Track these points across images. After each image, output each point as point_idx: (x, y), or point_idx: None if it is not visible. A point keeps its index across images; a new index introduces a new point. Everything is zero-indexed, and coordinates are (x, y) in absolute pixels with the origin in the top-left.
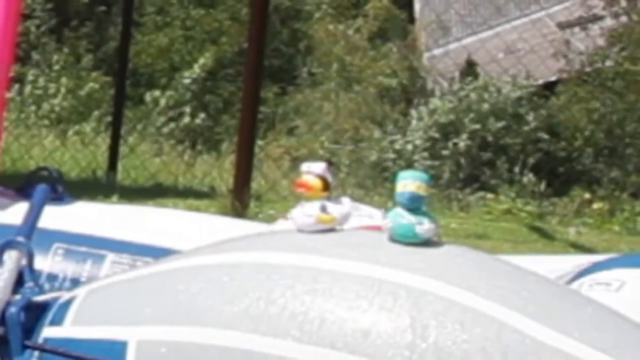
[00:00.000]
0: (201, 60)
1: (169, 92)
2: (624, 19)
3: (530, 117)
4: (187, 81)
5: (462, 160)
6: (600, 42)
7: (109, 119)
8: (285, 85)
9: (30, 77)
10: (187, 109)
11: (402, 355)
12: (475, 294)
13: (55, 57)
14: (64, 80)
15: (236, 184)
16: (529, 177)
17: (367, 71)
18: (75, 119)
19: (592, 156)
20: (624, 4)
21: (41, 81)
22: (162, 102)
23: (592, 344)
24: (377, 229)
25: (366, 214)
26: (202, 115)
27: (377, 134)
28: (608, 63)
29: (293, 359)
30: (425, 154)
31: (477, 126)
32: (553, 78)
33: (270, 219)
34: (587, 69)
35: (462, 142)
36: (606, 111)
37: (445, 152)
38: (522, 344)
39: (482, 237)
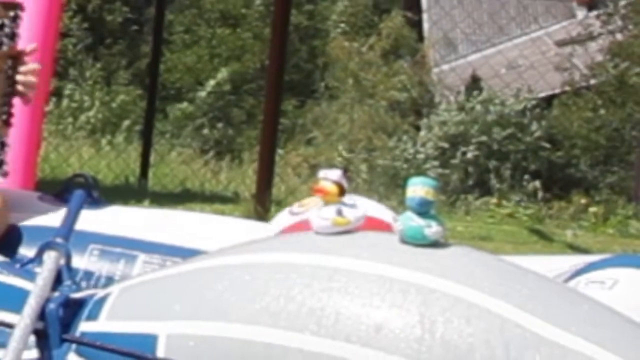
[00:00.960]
0: (220, 75)
1: (195, 105)
2: (619, 36)
3: (531, 127)
4: (212, 95)
5: (470, 168)
6: (597, 57)
7: (139, 129)
8: (304, 99)
9: (67, 91)
10: (213, 121)
11: (411, 348)
12: (480, 292)
13: (90, 73)
14: (98, 94)
15: (258, 189)
16: (530, 183)
17: (380, 85)
18: (108, 130)
19: (588, 164)
20: (619, 22)
21: (77, 95)
22: (189, 114)
23: (587, 337)
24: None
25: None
26: (227, 126)
27: (389, 143)
28: (604, 77)
29: (310, 352)
30: (435, 162)
31: (484, 137)
32: (552, 91)
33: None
34: (585, 83)
35: (470, 151)
36: (603, 121)
37: (454, 161)
38: (523, 337)
39: (486, 239)
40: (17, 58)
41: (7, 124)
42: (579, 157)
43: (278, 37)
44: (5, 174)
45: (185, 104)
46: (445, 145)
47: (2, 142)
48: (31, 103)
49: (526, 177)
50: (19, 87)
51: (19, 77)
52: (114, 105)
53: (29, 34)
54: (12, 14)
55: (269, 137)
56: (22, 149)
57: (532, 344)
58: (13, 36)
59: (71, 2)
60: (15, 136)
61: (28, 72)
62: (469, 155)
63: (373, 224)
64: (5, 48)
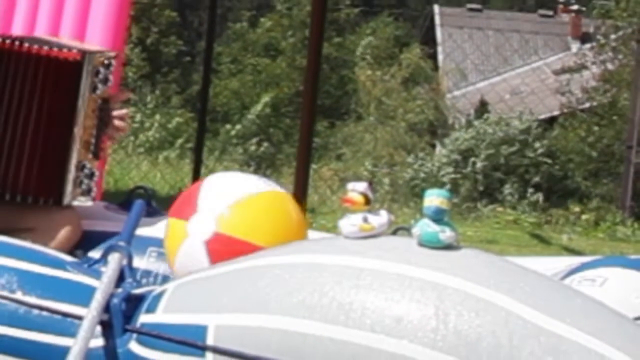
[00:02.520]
0: (262, 100)
1: (240, 126)
2: (609, 65)
3: (533, 144)
4: (254, 117)
5: (478, 177)
6: (591, 83)
7: (191, 146)
8: (334, 120)
9: (131, 115)
10: (255, 140)
11: (428, 337)
12: (487, 288)
13: (149, 98)
14: (156, 116)
15: (295, 199)
16: (531, 194)
17: (400, 109)
18: (164, 147)
19: (582, 176)
20: (610, 53)
21: (138, 117)
22: (235, 133)
23: (581, 328)
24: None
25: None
26: (268, 144)
27: (408, 159)
28: (596, 101)
29: (340, 340)
30: (450, 169)
31: (491, 151)
32: (551, 114)
33: (322, 228)
34: (579, 106)
35: (480, 161)
36: (596, 139)
37: (465, 172)
38: (525, 328)
39: (492, 243)
40: (109, 100)
41: (97, 157)
42: (574, 170)
43: (312, 67)
44: (93, 199)
45: (231, 125)
46: (458, 157)
47: (92, 172)
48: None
49: (530, 190)
50: (109, 129)
51: (117, 122)
52: (169, 126)
53: None
54: (106, 62)
55: (304, 153)
56: None
57: (533, 333)
58: (106, 81)
59: (132, 36)
60: None
61: (118, 116)
62: (478, 165)
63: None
64: (99, 92)
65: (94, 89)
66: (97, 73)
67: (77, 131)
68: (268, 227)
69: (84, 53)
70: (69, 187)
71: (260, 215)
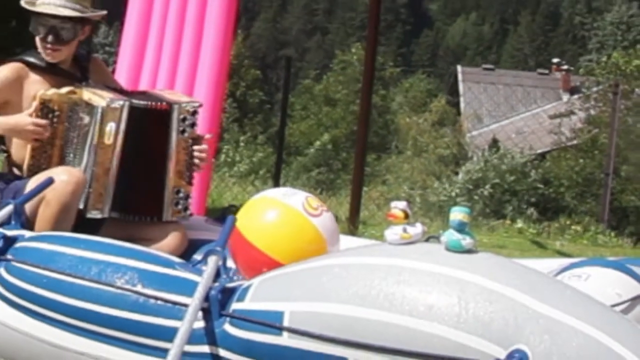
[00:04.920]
0: (324, 138)
1: (308, 158)
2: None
3: (531, 173)
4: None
5: (488, 201)
6: (578, 125)
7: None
8: (380, 154)
9: (224, 150)
10: (319, 169)
11: (452, 320)
12: (498, 282)
13: (238, 137)
14: (244, 152)
15: (350, 214)
16: (530, 211)
17: (431, 145)
18: (250, 175)
19: (571, 197)
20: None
21: (230, 153)
22: (304, 164)
23: (570, 312)
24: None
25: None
26: (329, 172)
27: (436, 184)
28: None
29: (385, 322)
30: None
31: (497, 180)
32: (546, 149)
33: (371, 237)
34: (569, 143)
35: (487, 190)
36: (581, 168)
37: (478, 194)
38: (527, 313)
39: (502, 248)
40: (196, 140)
41: (190, 183)
42: (564, 192)
43: (363, 112)
44: (190, 215)
45: (301, 158)
46: (470, 186)
47: (186, 195)
48: (200, 172)
49: (531, 209)
50: (196, 160)
51: (196, 154)
52: (254, 159)
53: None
54: (191, 110)
55: (358, 179)
56: (196, 188)
57: (533, 317)
58: (193, 125)
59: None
60: (195, 181)
61: (202, 151)
62: (486, 192)
63: None
64: (187, 134)
65: (182, 131)
66: (184, 119)
67: (171, 164)
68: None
69: (171, 105)
70: (167, 207)
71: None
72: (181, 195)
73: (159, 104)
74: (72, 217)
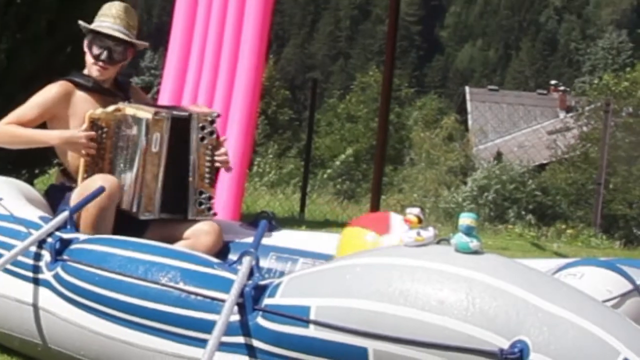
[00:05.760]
0: (347, 152)
1: (332, 170)
2: (584, 128)
3: (530, 183)
4: (342, 164)
5: (492, 208)
6: (572, 141)
7: (299, 184)
8: (397, 166)
9: (256, 162)
10: (342, 179)
11: (461, 313)
12: (501, 280)
13: (270, 151)
14: (274, 163)
15: None
16: (529, 217)
17: (442, 158)
18: (280, 184)
19: (566, 205)
20: (585, 120)
21: (262, 164)
22: (328, 175)
23: (566, 307)
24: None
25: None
26: (351, 182)
27: (446, 192)
28: (575, 153)
29: (401, 316)
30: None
31: (498, 186)
32: (544, 161)
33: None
34: (564, 156)
35: (491, 195)
36: (574, 179)
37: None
38: (527, 307)
39: (505, 249)
40: (215, 146)
41: (213, 186)
42: (560, 200)
43: (381, 129)
44: (215, 214)
45: (326, 169)
46: (476, 193)
47: (209, 196)
48: (231, 172)
49: (530, 215)
50: (217, 163)
51: (216, 158)
52: (284, 170)
53: (240, 129)
54: (210, 119)
55: (376, 188)
56: (232, 196)
57: (533, 311)
58: (212, 133)
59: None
60: (229, 189)
61: (221, 154)
62: (490, 197)
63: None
64: (206, 141)
65: (201, 138)
66: (202, 127)
67: (191, 168)
68: None
69: (190, 114)
70: (191, 207)
71: None
72: (204, 196)
73: (180, 113)
74: (111, 218)
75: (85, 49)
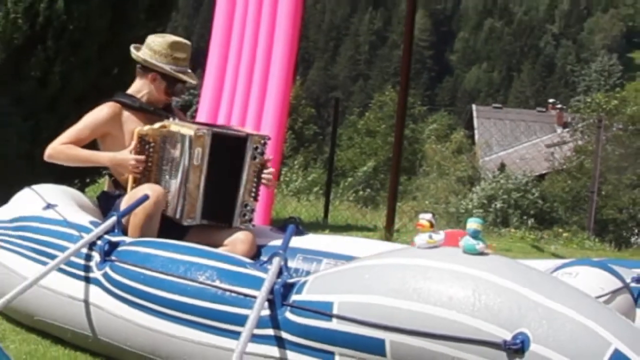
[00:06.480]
0: (367, 163)
1: (352, 179)
2: (579, 142)
3: (531, 191)
4: (363, 174)
5: (498, 214)
6: (568, 153)
7: (323, 191)
8: (411, 176)
9: (283, 172)
10: (362, 187)
11: (468, 308)
12: (505, 278)
13: (296, 162)
14: (299, 172)
15: (387, 224)
16: (530, 221)
17: (451, 168)
18: (306, 192)
19: (563, 210)
20: (580, 134)
21: (288, 174)
22: (349, 184)
23: (563, 303)
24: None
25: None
26: (370, 190)
27: (453, 200)
28: (571, 164)
29: (415, 311)
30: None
31: (505, 196)
32: (543, 171)
33: (404, 242)
34: (561, 167)
35: (498, 204)
36: (570, 188)
37: (489, 207)
38: (528, 303)
39: (508, 251)
40: (263, 165)
41: (256, 199)
42: (558, 207)
43: (397, 142)
44: (253, 225)
45: (347, 178)
46: (485, 201)
47: (252, 208)
48: (271, 189)
49: (528, 218)
50: (264, 181)
51: (264, 176)
52: (309, 179)
53: (271, 143)
54: (262, 141)
55: (392, 196)
56: (263, 203)
57: (533, 306)
58: (262, 153)
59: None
60: (261, 197)
61: (269, 174)
62: (497, 206)
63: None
64: (257, 160)
65: (254, 157)
66: (256, 148)
67: (242, 183)
68: None
69: (247, 135)
70: (236, 217)
71: None
72: (248, 208)
73: (238, 133)
74: (156, 224)
75: (151, 80)
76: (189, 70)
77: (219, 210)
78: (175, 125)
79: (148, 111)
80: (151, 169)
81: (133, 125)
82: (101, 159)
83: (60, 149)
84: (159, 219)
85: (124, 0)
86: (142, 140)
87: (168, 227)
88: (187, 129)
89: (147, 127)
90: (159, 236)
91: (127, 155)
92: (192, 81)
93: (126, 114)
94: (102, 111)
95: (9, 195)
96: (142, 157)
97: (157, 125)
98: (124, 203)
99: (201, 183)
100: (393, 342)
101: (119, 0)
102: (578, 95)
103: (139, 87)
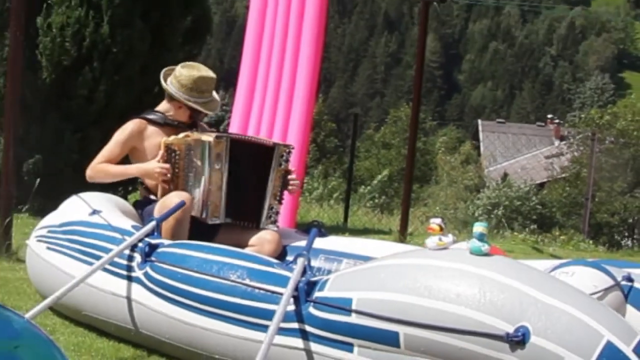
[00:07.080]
0: (383, 172)
1: (370, 187)
2: (576, 153)
3: (532, 198)
4: (379, 182)
5: (502, 218)
6: (565, 164)
7: (342, 198)
8: (423, 184)
9: (306, 181)
10: (378, 194)
11: (474, 304)
12: (508, 277)
13: (316, 172)
14: (321, 182)
15: (401, 228)
16: (531, 225)
17: (459, 177)
18: (327, 199)
19: (560, 215)
20: (576, 146)
21: (310, 182)
22: (367, 191)
23: (561, 299)
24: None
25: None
26: (385, 197)
27: (463, 206)
28: (568, 173)
29: (426, 307)
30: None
31: (507, 202)
32: (543, 180)
33: (416, 244)
34: (559, 176)
35: (500, 210)
36: (568, 194)
37: (494, 213)
38: (528, 299)
39: (510, 252)
40: (288, 172)
41: (280, 203)
42: (556, 211)
43: (410, 153)
44: (278, 226)
45: (366, 187)
46: (490, 207)
47: (277, 211)
48: (294, 194)
49: (529, 222)
50: (289, 188)
51: (291, 183)
52: (329, 187)
53: (296, 154)
54: (287, 150)
55: (406, 202)
56: (289, 208)
57: (533, 302)
58: (287, 161)
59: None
60: (287, 202)
61: (294, 181)
62: (500, 212)
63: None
64: (282, 167)
65: (279, 165)
66: (281, 156)
67: (269, 188)
68: None
69: (274, 145)
70: (263, 219)
71: None
72: (273, 210)
73: (266, 142)
74: (186, 227)
75: (177, 108)
76: (214, 95)
77: (245, 211)
78: (197, 134)
79: (173, 126)
80: (178, 174)
81: (157, 139)
82: (130, 171)
83: (97, 168)
84: (189, 222)
85: (163, 25)
86: (169, 149)
87: (199, 229)
88: (207, 136)
89: (172, 137)
90: (192, 237)
91: (152, 165)
92: (213, 111)
93: (151, 128)
94: (127, 128)
95: (60, 203)
96: (166, 165)
97: (181, 135)
98: (158, 208)
99: (223, 185)
100: (407, 334)
101: (159, 25)
102: (574, 111)
103: (167, 108)
